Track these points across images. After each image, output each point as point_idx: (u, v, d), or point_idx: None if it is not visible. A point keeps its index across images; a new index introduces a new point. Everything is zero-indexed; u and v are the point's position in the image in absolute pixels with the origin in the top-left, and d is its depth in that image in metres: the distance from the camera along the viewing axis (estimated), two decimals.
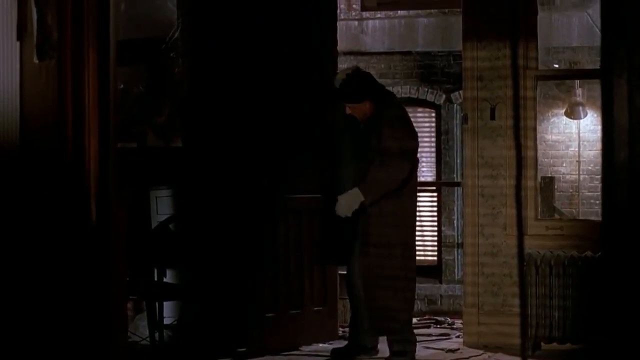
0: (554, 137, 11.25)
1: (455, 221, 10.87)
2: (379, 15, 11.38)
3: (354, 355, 6.82)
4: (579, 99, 11.00)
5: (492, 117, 7.47)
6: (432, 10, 11.23)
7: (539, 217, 7.70)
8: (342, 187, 6.66)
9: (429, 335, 8.12)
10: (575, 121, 11.11)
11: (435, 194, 11.17)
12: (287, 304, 7.14)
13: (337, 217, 6.58)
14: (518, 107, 7.25)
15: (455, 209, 10.90)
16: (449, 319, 8.92)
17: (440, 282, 10.79)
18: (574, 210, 11.11)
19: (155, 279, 6.71)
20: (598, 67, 3.36)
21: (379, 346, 6.91)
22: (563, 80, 10.93)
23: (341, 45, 8.36)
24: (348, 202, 6.44)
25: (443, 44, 11.09)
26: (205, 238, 6.94)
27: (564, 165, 11.23)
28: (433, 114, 11.29)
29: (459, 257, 10.57)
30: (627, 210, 2.94)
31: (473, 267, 7.51)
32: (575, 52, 10.99)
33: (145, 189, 7.17)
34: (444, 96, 11.12)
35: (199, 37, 7.19)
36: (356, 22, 11.36)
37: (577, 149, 11.13)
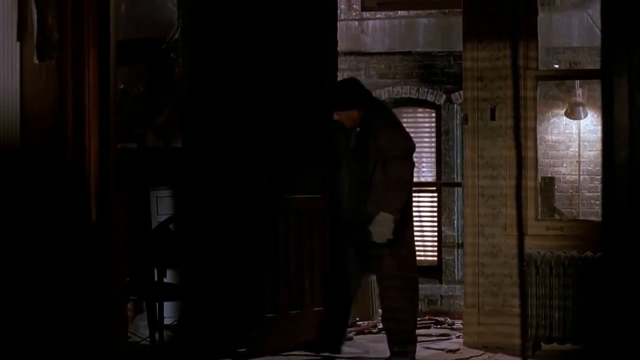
0: (554, 138, 11.24)
1: (455, 221, 10.86)
2: (379, 16, 11.37)
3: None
4: (579, 99, 10.99)
5: (493, 118, 7.47)
6: (433, 11, 11.22)
7: (539, 218, 7.70)
8: (340, 190, 6.71)
9: (429, 335, 8.12)
10: (576, 121, 11.10)
11: (435, 194, 11.17)
12: (287, 304, 7.14)
13: (337, 220, 6.64)
14: (518, 107, 7.25)
15: (455, 209, 10.89)
16: (449, 319, 8.92)
17: (441, 283, 10.79)
18: (574, 210, 11.10)
19: (156, 279, 6.71)
20: (598, 68, 3.36)
21: (375, 345, 6.93)
22: (563, 81, 10.92)
23: (341, 46, 8.36)
24: (383, 230, 6.45)
25: (443, 44, 11.08)
26: (206, 238, 6.94)
27: (564, 165, 11.23)
28: (433, 114, 11.29)
29: (459, 257, 10.56)
30: (628, 211, 2.94)
31: (473, 267, 7.51)
32: (576, 52, 10.98)
33: (145, 189, 7.16)
34: (444, 96, 11.11)
35: (199, 37, 7.19)
36: (356, 22, 11.35)
37: (577, 149, 11.13)
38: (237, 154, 6.95)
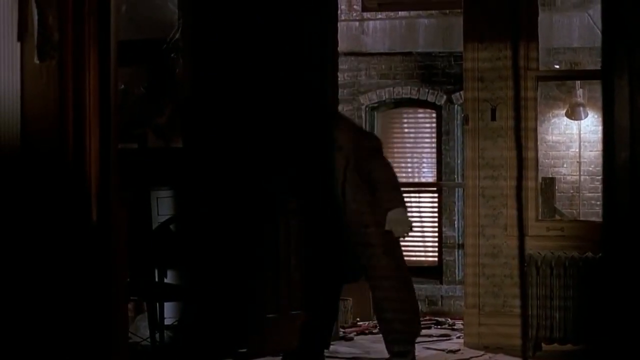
0: (554, 138, 11.23)
1: (456, 222, 10.86)
2: (379, 16, 11.37)
3: None
4: (579, 99, 10.99)
5: (493, 118, 7.48)
6: (433, 11, 11.21)
7: (540, 218, 7.70)
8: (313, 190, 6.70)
9: (430, 336, 8.13)
10: (576, 122, 11.10)
11: (435, 195, 11.17)
12: (287, 305, 7.14)
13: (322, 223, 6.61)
14: (519, 107, 7.25)
15: (456, 209, 10.89)
16: (449, 319, 8.93)
17: (441, 283, 10.78)
18: (574, 211, 11.10)
19: (156, 279, 6.71)
20: (599, 68, 3.36)
21: (376, 345, 6.92)
22: (564, 81, 10.92)
23: (342, 46, 8.36)
24: (402, 225, 6.38)
25: (444, 44, 11.08)
26: (206, 239, 6.94)
27: (565, 166, 11.22)
28: (434, 115, 11.28)
29: (460, 257, 10.56)
30: (628, 211, 2.94)
31: (474, 267, 7.51)
32: (576, 53, 10.98)
33: (145, 190, 7.17)
34: (444, 97, 11.10)
35: (200, 38, 7.19)
36: (357, 23, 11.35)
37: (577, 150, 11.12)
38: (238, 154, 6.95)
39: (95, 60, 4.80)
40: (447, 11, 11.06)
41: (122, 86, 7.27)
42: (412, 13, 11.28)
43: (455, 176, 10.94)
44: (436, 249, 11.02)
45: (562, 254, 7.01)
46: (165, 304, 6.81)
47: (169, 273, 6.88)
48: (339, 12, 8.67)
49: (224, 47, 7.04)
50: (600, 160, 8.04)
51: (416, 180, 11.35)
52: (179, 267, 7.01)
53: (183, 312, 7.15)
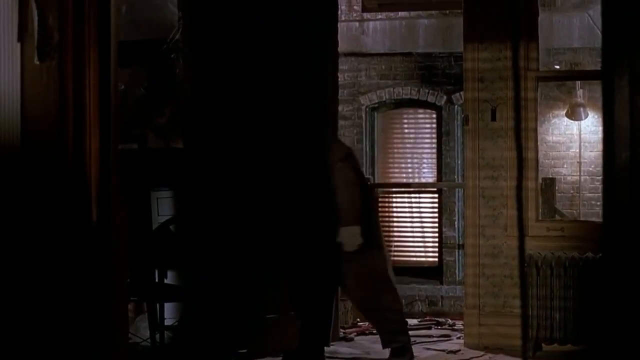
0: (554, 138, 11.24)
1: (456, 222, 10.86)
2: (379, 17, 11.37)
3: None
4: (579, 100, 10.99)
5: (493, 118, 7.48)
6: (433, 12, 11.21)
7: (540, 218, 7.70)
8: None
9: (430, 336, 8.13)
10: (576, 122, 11.10)
11: (436, 195, 11.17)
12: (287, 305, 7.14)
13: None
14: (519, 108, 7.25)
15: (456, 210, 10.89)
16: (449, 320, 8.93)
17: (441, 283, 10.79)
18: (574, 211, 11.10)
19: (156, 280, 6.71)
20: (599, 68, 3.35)
21: (376, 346, 6.92)
22: (564, 82, 10.92)
23: (342, 47, 8.36)
24: (351, 240, 6.51)
25: (444, 45, 11.08)
26: (206, 239, 6.94)
27: (565, 166, 11.22)
28: (434, 115, 11.28)
29: (460, 258, 10.56)
30: (628, 212, 2.93)
31: (474, 268, 7.51)
32: (576, 53, 10.98)
33: (146, 190, 7.16)
34: (444, 97, 11.10)
35: (200, 38, 7.19)
36: (357, 23, 11.35)
37: (578, 150, 11.12)
38: (238, 154, 6.95)
39: (95, 61, 4.80)
40: (447, 11, 11.06)
41: (122, 86, 7.27)
42: (412, 13, 11.28)
43: (456, 176, 10.95)
44: (436, 250, 11.02)
45: (562, 254, 7.01)
46: (166, 304, 6.80)
47: (169, 274, 6.88)
48: (339, 12, 8.67)
49: (224, 47, 7.04)
50: (600, 161, 8.03)
51: (416, 180, 11.35)
52: (179, 267, 7.00)
53: (183, 312, 7.15)
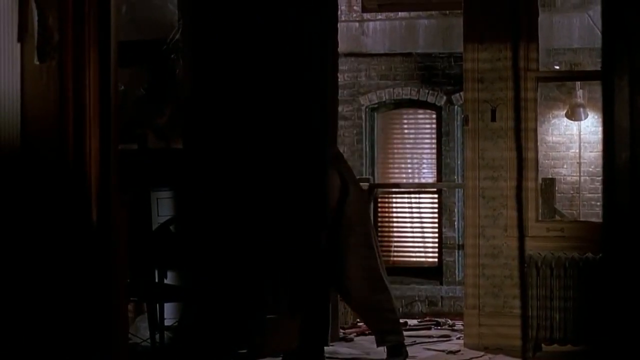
0: (554, 139, 11.24)
1: (456, 223, 10.87)
2: (379, 17, 11.37)
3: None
4: (579, 100, 10.99)
5: (493, 119, 7.48)
6: (433, 12, 11.22)
7: (540, 219, 7.70)
8: None
9: (430, 336, 8.13)
10: (576, 122, 11.10)
11: (435, 196, 11.17)
12: (288, 306, 7.13)
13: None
14: (519, 108, 7.25)
15: (456, 210, 10.89)
16: (449, 320, 8.92)
17: (441, 284, 10.79)
18: (574, 211, 11.10)
19: (156, 280, 6.71)
20: (599, 69, 3.36)
21: (373, 346, 6.92)
22: (564, 82, 10.93)
23: (342, 47, 8.36)
24: None
25: (444, 45, 11.09)
26: (206, 239, 6.93)
27: (565, 166, 11.23)
28: (434, 116, 11.29)
29: (460, 258, 10.57)
30: (628, 212, 2.93)
31: (474, 268, 7.51)
32: (576, 54, 10.98)
33: (146, 191, 7.16)
34: (444, 98, 11.11)
35: (200, 38, 7.19)
36: (357, 24, 11.35)
37: (577, 151, 11.13)
38: (238, 155, 6.95)
39: (95, 61, 4.80)
40: (447, 12, 11.07)
41: (122, 87, 7.27)
42: (412, 14, 11.28)
43: (456, 177, 10.95)
44: (436, 250, 11.02)
45: (562, 254, 7.01)
46: (165, 304, 6.80)
47: (169, 274, 6.88)
48: (339, 12, 8.67)
49: (224, 47, 7.03)
50: (600, 161, 8.05)
51: (416, 180, 11.35)
52: (179, 267, 7.00)
53: (183, 313, 7.14)
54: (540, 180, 8.32)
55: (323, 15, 7.51)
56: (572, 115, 11.08)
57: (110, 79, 4.87)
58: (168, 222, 6.95)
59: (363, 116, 11.31)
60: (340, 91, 9.18)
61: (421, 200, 11.24)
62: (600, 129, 9.02)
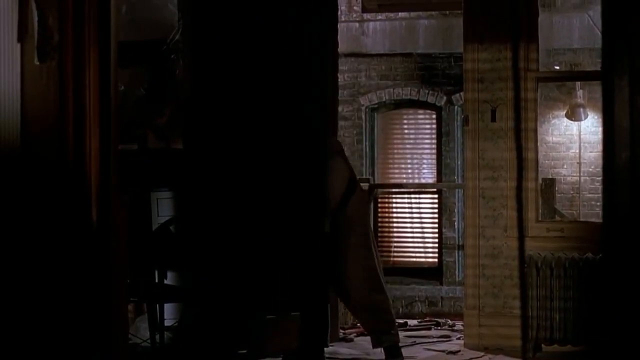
0: (554, 139, 11.23)
1: (456, 223, 10.86)
2: (379, 17, 11.37)
3: None
4: (579, 100, 10.98)
5: (493, 119, 7.48)
6: (433, 12, 11.21)
7: (540, 219, 7.70)
8: None
9: (430, 337, 8.13)
10: (576, 123, 11.10)
11: (435, 196, 11.17)
12: (288, 306, 7.13)
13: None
14: (519, 108, 7.25)
15: (456, 210, 10.89)
16: (449, 320, 8.92)
17: (441, 284, 10.78)
18: (574, 212, 11.10)
19: (156, 280, 6.71)
20: (599, 69, 3.36)
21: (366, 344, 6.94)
22: (564, 82, 10.92)
23: (342, 47, 8.35)
24: None
25: (444, 45, 11.08)
26: (206, 240, 6.93)
27: (565, 166, 11.22)
28: (434, 116, 11.28)
29: (460, 258, 10.56)
30: (628, 212, 2.93)
31: (474, 268, 7.51)
32: (576, 54, 10.98)
33: (146, 191, 7.16)
34: (444, 98, 11.10)
35: (200, 38, 7.19)
36: (357, 24, 11.35)
37: (577, 151, 11.12)
38: (238, 155, 6.95)
39: (95, 61, 4.80)
40: (447, 12, 11.07)
41: (122, 87, 7.26)
42: (412, 14, 11.28)
43: (456, 177, 10.94)
44: (436, 250, 11.02)
45: (562, 254, 7.01)
46: (166, 305, 6.80)
47: (169, 274, 6.88)
48: (339, 13, 8.67)
49: (224, 48, 7.03)
50: (600, 161, 8.04)
51: (416, 181, 11.35)
52: (179, 268, 7.00)
53: (183, 313, 7.14)
54: (540, 181, 8.32)
55: (323, 16, 7.51)
56: (572, 115, 11.07)
57: (110, 79, 4.87)
58: (168, 222, 6.95)
59: (363, 116, 11.31)
60: (340, 91, 9.18)
61: (421, 200, 11.23)
62: (600, 129, 9.02)
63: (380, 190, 11.14)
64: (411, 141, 11.42)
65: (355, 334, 8.09)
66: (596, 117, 10.92)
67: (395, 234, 11.17)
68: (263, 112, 7.04)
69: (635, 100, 2.90)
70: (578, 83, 10.87)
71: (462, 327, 7.94)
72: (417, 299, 10.64)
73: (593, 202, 11.04)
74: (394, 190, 11.34)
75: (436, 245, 11.04)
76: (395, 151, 11.40)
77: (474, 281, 7.51)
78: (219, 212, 6.95)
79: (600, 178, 9.80)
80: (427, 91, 11.18)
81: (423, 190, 11.23)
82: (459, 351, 7.42)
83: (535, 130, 7.48)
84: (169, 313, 6.99)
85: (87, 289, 4.74)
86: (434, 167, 11.25)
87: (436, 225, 11.07)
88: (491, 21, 7.42)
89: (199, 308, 6.99)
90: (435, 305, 10.58)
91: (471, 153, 7.52)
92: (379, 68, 11.34)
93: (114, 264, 4.90)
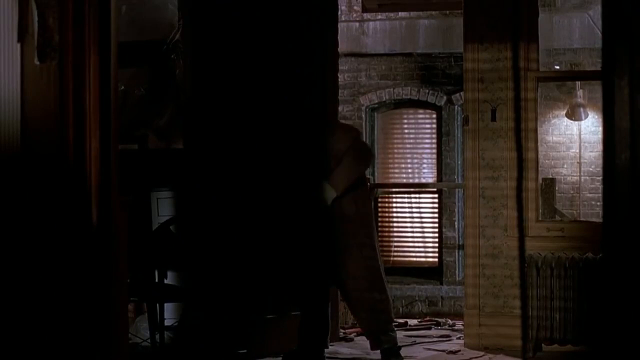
0: (554, 139, 11.24)
1: (456, 223, 10.87)
2: (380, 17, 11.37)
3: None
4: (580, 100, 10.99)
5: (493, 119, 7.48)
6: (433, 12, 11.22)
7: (540, 219, 7.70)
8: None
9: (430, 336, 8.13)
10: (576, 122, 11.10)
11: (436, 196, 11.17)
12: (288, 306, 7.14)
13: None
14: (519, 108, 7.25)
15: (456, 210, 10.89)
16: (449, 320, 8.93)
17: (441, 284, 10.79)
18: (574, 211, 11.10)
19: (156, 280, 6.71)
20: (599, 69, 3.35)
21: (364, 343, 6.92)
22: (564, 82, 10.93)
23: (342, 47, 8.35)
24: (326, 194, 6.57)
25: (444, 45, 11.08)
26: (206, 240, 6.94)
27: (565, 166, 11.23)
28: (434, 116, 11.29)
29: (460, 258, 10.57)
30: (629, 212, 2.93)
31: (474, 268, 7.51)
32: (576, 54, 10.98)
33: (146, 191, 7.16)
34: (445, 98, 11.11)
35: (200, 39, 7.19)
36: (357, 24, 11.35)
37: (578, 151, 11.13)
38: (238, 155, 6.95)
39: (95, 62, 4.80)
40: (447, 12, 11.07)
41: (123, 87, 7.27)
42: (412, 14, 11.28)
43: (456, 177, 10.95)
44: (436, 250, 11.02)
45: (562, 254, 7.01)
46: (166, 305, 6.80)
47: (169, 274, 6.88)
48: (339, 13, 8.67)
49: (224, 48, 7.04)
50: (600, 161, 8.04)
51: (416, 181, 11.35)
52: (179, 268, 7.00)
53: (183, 313, 7.15)
54: (540, 180, 8.32)
55: (323, 15, 7.52)
56: (572, 115, 11.08)
57: (110, 79, 4.87)
58: (168, 222, 6.95)
59: (363, 116, 11.31)
60: (340, 91, 9.18)
61: (421, 200, 11.24)
62: (600, 129, 9.03)
63: (380, 190, 11.14)
64: (411, 141, 11.42)
65: (355, 334, 8.09)
66: (596, 117, 10.92)
67: (396, 234, 11.17)
68: (263, 112, 7.04)
69: (635, 100, 2.90)
70: (578, 83, 10.87)
71: (462, 327, 7.94)
72: (417, 298, 10.64)
73: (593, 202, 11.05)
74: (394, 190, 11.34)
75: (436, 245, 11.04)
76: (396, 151, 11.40)
77: (474, 281, 7.51)
78: (219, 212, 6.96)
79: (600, 178, 9.81)
80: (427, 91, 11.19)
81: (423, 190, 11.23)
82: (459, 351, 7.42)
83: (536, 130, 7.48)
84: (169, 313, 7.00)
85: (87, 289, 4.75)
86: (434, 166, 11.26)
87: (436, 225, 11.07)
88: (491, 21, 7.42)
89: (199, 308, 6.99)
90: (435, 305, 10.58)
91: (471, 153, 7.52)
92: (379, 68, 11.34)
93: (114, 264, 4.90)
